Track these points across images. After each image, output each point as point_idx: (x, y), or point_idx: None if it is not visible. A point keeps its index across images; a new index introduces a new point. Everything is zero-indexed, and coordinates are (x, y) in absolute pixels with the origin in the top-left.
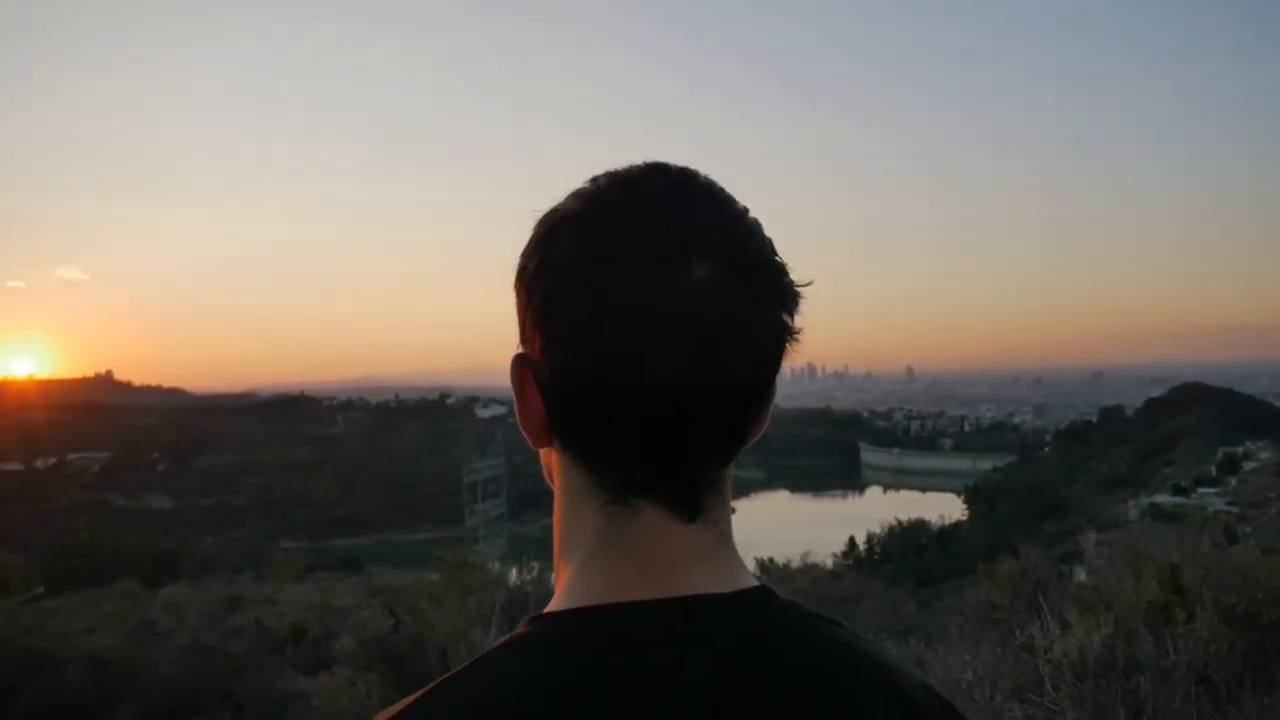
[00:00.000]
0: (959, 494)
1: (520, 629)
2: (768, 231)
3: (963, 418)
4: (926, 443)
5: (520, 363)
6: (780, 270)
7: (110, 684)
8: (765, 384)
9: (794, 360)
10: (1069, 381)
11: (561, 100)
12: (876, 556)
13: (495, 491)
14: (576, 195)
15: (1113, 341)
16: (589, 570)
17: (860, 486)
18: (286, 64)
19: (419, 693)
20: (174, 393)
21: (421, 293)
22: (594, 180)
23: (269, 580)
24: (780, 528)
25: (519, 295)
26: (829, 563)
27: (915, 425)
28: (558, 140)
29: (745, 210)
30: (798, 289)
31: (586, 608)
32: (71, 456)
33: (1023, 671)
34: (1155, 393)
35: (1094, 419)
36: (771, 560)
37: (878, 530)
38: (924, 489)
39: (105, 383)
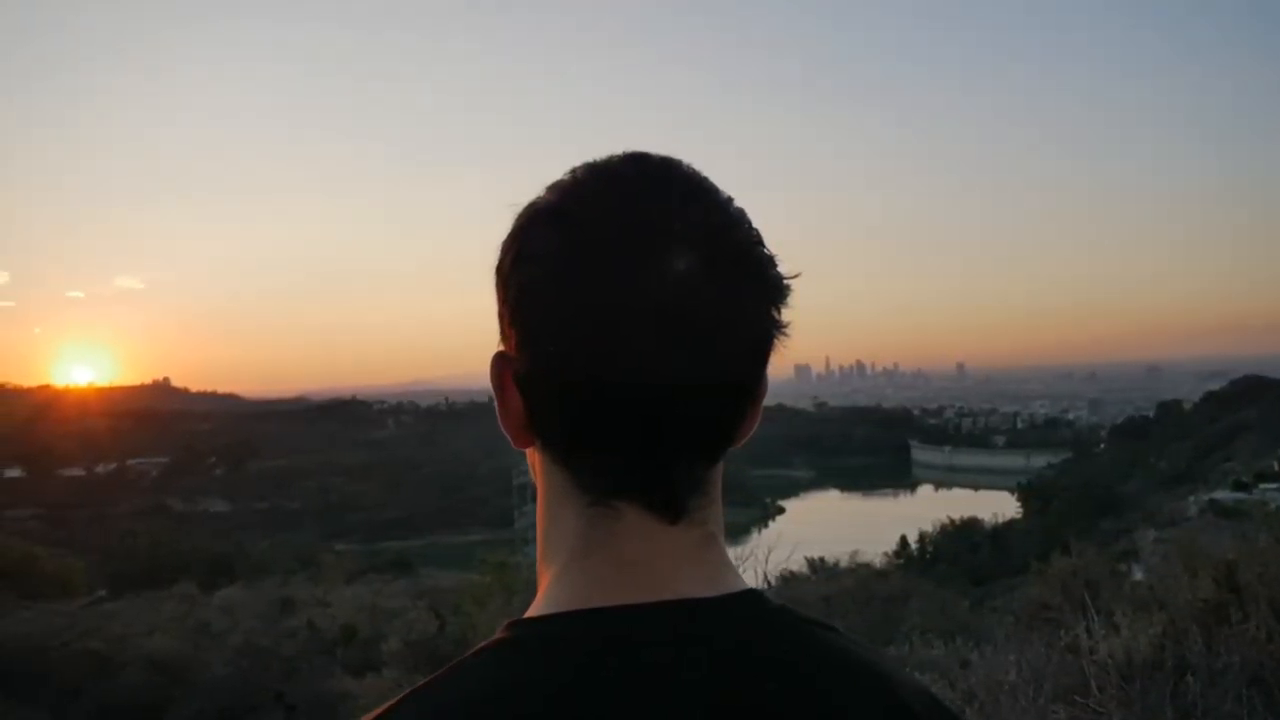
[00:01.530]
0: (1012, 492)
1: (498, 634)
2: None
3: (1015, 414)
4: (978, 440)
5: (499, 361)
6: (766, 262)
7: (167, 685)
8: (752, 381)
9: (784, 358)
10: (1124, 376)
11: (598, 100)
12: (929, 556)
13: (533, 494)
14: (553, 187)
15: (1169, 334)
16: (569, 574)
17: (911, 485)
18: (333, 69)
19: (394, 699)
20: (228, 398)
21: (469, 296)
22: (572, 171)
23: (321, 582)
24: (830, 527)
25: (497, 291)
26: (879, 562)
27: (967, 422)
28: (598, 140)
29: (729, 200)
30: (786, 281)
31: (565, 613)
32: (131, 462)
33: (1068, 673)
34: (1214, 386)
35: (1151, 414)
36: (822, 560)
37: (930, 529)
38: (976, 487)
39: (162, 389)
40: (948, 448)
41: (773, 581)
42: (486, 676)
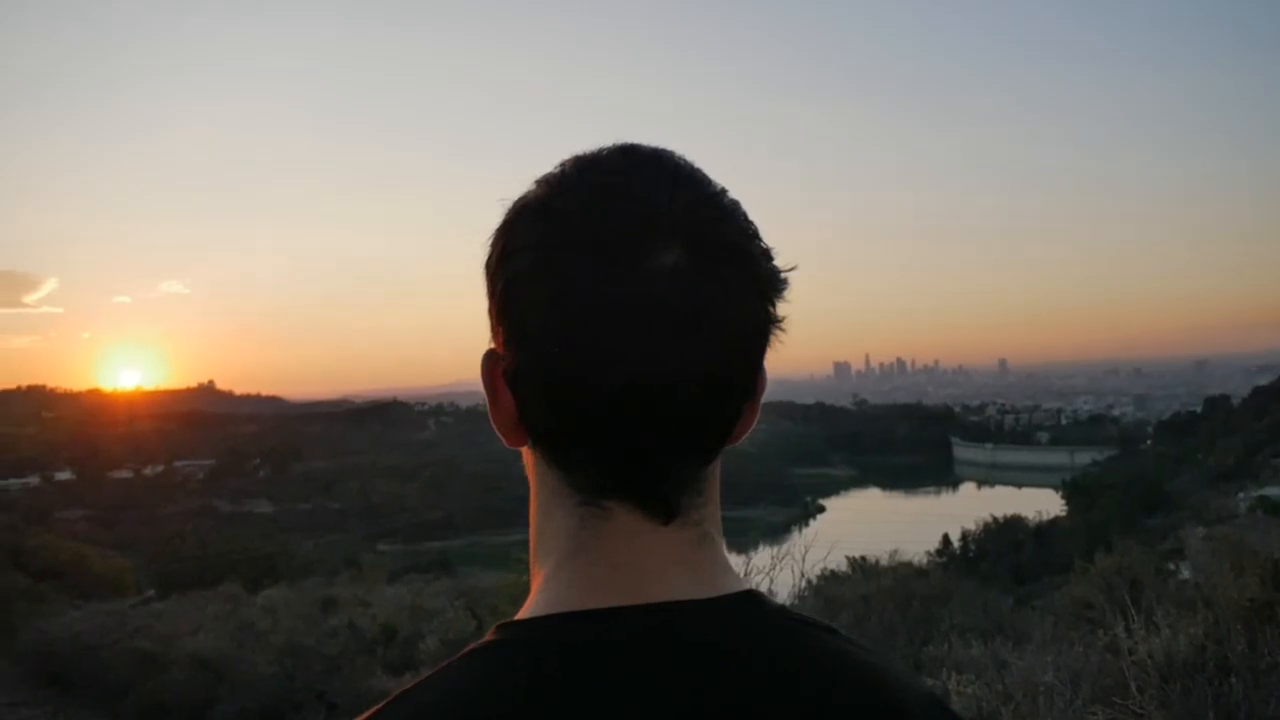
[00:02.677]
0: (1056, 489)
1: (487, 636)
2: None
3: (1059, 411)
4: (1021, 437)
5: (489, 358)
6: (759, 255)
7: (213, 683)
8: (745, 376)
9: (780, 355)
10: (1171, 371)
11: (637, 97)
12: (971, 554)
13: None
14: (540, 181)
15: (1216, 329)
16: (559, 575)
17: (953, 483)
18: (376, 73)
19: (382, 703)
20: (273, 400)
21: None
22: (561, 165)
23: (362, 582)
24: (872, 526)
25: (487, 287)
26: (922, 560)
27: (1009, 419)
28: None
29: (722, 191)
30: (781, 275)
31: (552, 615)
32: (178, 464)
33: (1107, 674)
34: (1263, 381)
35: (1198, 410)
36: (863, 558)
37: (972, 527)
38: (1020, 485)
39: (208, 392)
40: (990, 445)
41: (813, 580)
42: (469, 678)
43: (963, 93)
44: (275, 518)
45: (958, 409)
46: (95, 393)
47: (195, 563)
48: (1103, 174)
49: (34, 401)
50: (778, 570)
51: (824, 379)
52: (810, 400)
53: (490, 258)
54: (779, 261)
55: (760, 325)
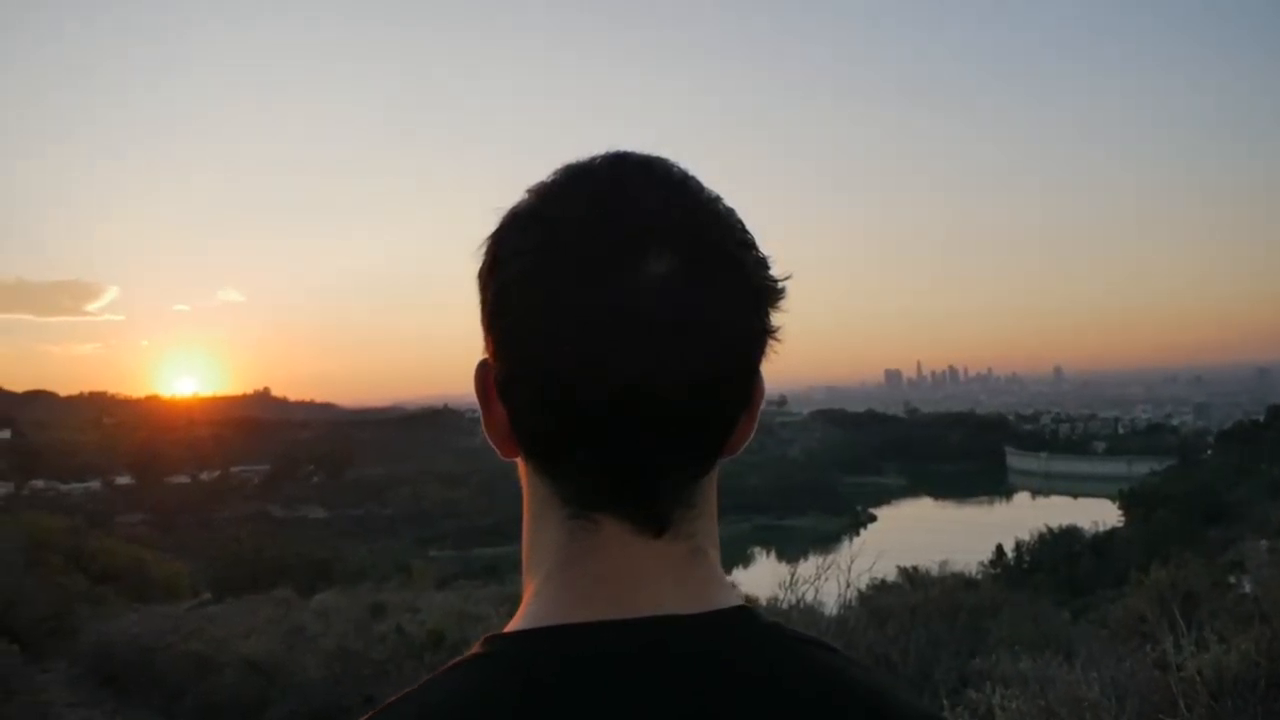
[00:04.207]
0: (1113, 499)
1: (474, 649)
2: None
3: (1116, 419)
4: (1077, 446)
5: (482, 369)
6: (752, 263)
7: (264, 686)
8: (739, 387)
9: (775, 364)
10: (1232, 379)
11: (670, 101)
12: (1026, 565)
13: None
14: (532, 190)
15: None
16: (548, 588)
17: (1007, 492)
18: (426, 79)
19: (369, 713)
20: (326, 407)
21: None
22: (553, 173)
23: (412, 588)
24: (923, 535)
25: (479, 296)
26: (975, 571)
27: (1064, 428)
28: (679, 142)
29: (715, 198)
30: (775, 283)
31: (538, 629)
32: (234, 469)
33: (1156, 690)
34: None
35: (1261, 418)
36: (915, 568)
37: (1027, 537)
38: (1075, 494)
39: (263, 399)
40: (1045, 454)
41: (863, 590)
42: (452, 692)
43: (1011, 98)
44: (328, 523)
45: (1011, 417)
46: (154, 399)
47: (250, 567)
48: (1161, 178)
49: (96, 408)
50: (823, 580)
51: (875, 387)
52: (861, 408)
53: (481, 267)
54: (775, 270)
55: (754, 335)
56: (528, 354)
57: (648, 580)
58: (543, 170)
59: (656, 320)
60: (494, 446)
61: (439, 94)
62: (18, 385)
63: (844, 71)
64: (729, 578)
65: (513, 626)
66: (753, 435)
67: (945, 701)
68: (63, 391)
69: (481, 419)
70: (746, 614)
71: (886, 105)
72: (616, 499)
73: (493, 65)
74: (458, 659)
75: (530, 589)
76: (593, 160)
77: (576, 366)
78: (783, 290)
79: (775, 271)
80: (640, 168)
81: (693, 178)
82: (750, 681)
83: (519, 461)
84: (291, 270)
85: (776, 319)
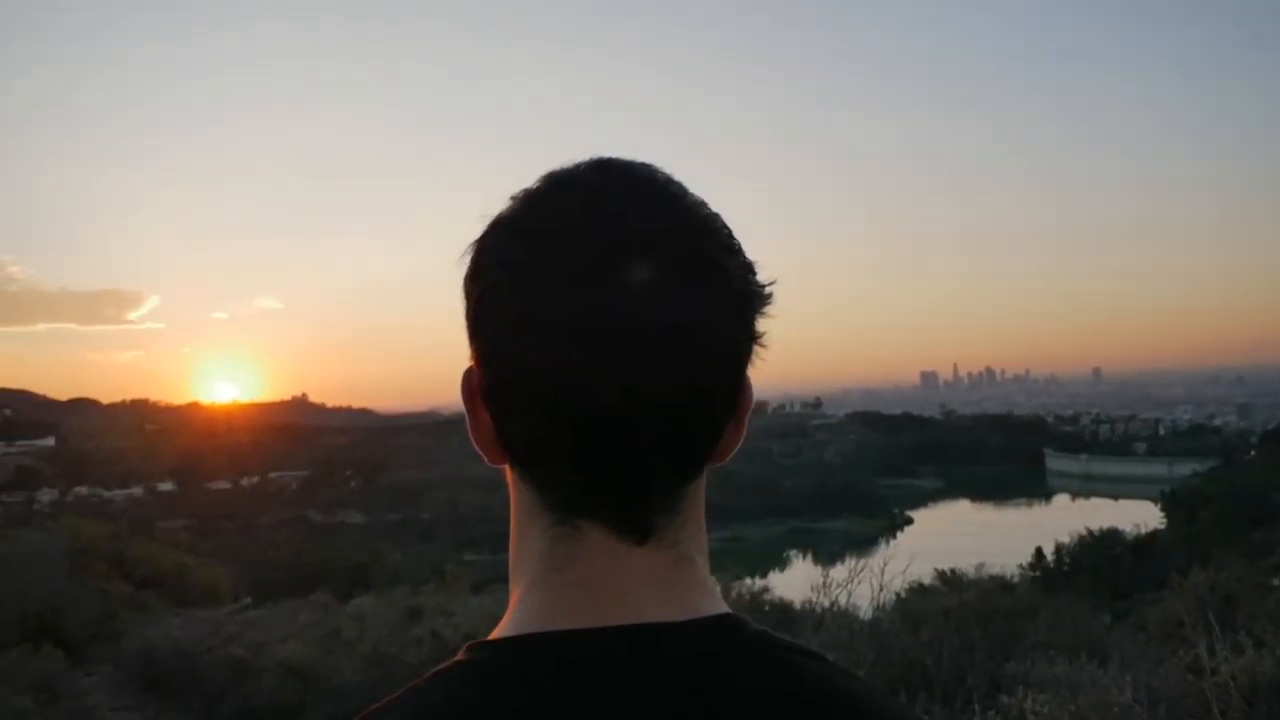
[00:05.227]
0: (1155, 501)
1: (458, 656)
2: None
3: (1157, 420)
4: (1117, 447)
5: (468, 376)
6: (736, 269)
7: (301, 690)
8: (722, 394)
9: (760, 370)
10: (1276, 379)
11: (697, 102)
12: (1066, 567)
13: None
14: (514, 197)
15: None
16: (532, 595)
17: (1046, 494)
18: (461, 84)
19: None
20: (363, 413)
21: None
22: (537, 180)
23: (447, 592)
24: (961, 538)
25: (464, 304)
26: (1013, 574)
27: (1104, 429)
28: (711, 146)
29: (700, 204)
30: (760, 289)
31: (523, 636)
32: (273, 475)
33: (1190, 694)
34: None
35: None
36: (953, 571)
37: (1067, 540)
38: (1115, 496)
39: (301, 405)
40: (1084, 456)
41: (901, 594)
42: (433, 700)
43: (1047, 97)
44: (365, 528)
45: (1050, 419)
46: (195, 406)
47: (288, 571)
48: (1199, 177)
49: (138, 415)
50: (856, 583)
51: (910, 389)
52: (896, 410)
53: (465, 274)
54: (761, 276)
55: (737, 341)
56: (510, 362)
57: (631, 588)
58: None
59: (637, 327)
60: (481, 453)
61: (475, 97)
62: (62, 393)
63: (875, 73)
64: (762, 581)
65: (497, 633)
66: (740, 442)
67: (977, 706)
68: (105, 399)
69: (468, 426)
70: (731, 621)
71: (918, 106)
72: (599, 506)
73: (526, 68)
74: (441, 666)
75: (515, 596)
76: (576, 167)
77: (558, 374)
78: (769, 296)
79: (761, 277)
80: (624, 174)
81: (677, 183)
82: (733, 689)
83: (506, 469)
84: (327, 277)
85: (763, 325)
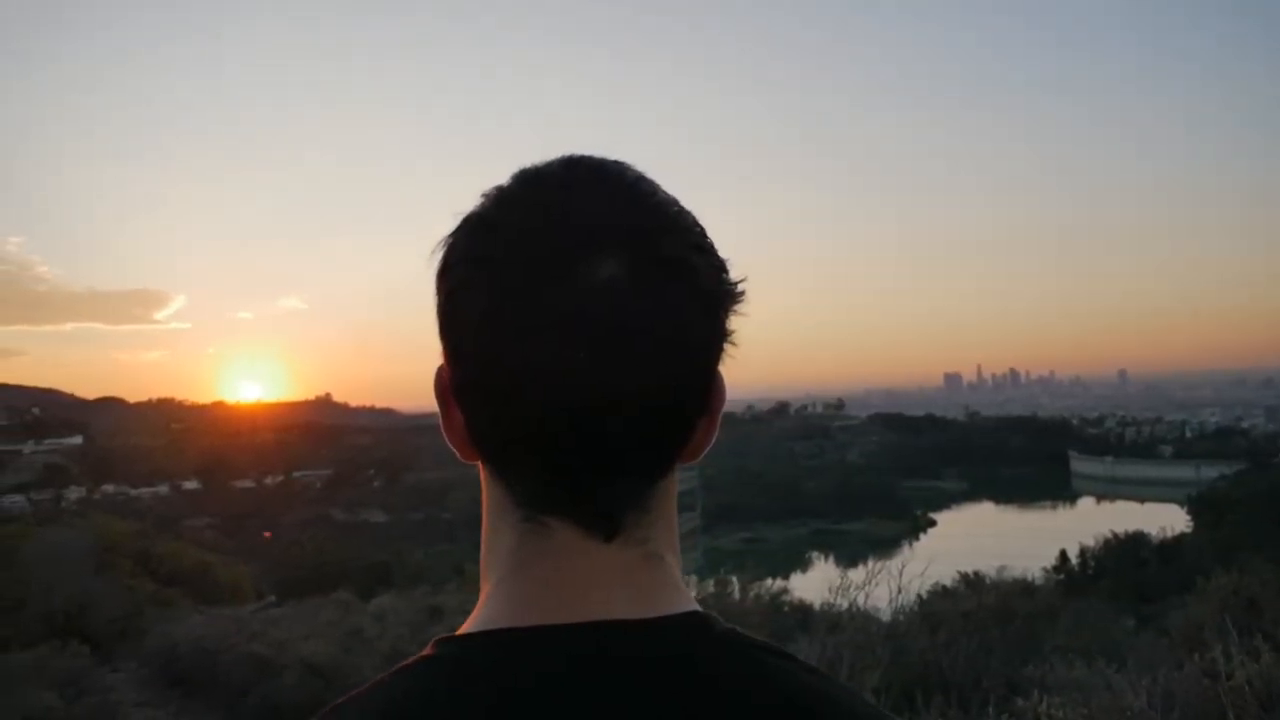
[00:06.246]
0: (1181, 505)
1: (424, 651)
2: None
3: (1184, 423)
4: (1143, 450)
5: (440, 373)
6: (703, 268)
7: (322, 689)
8: (691, 393)
9: (733, 368)
10: None
11: (716, 103)
12: (1091, 571)
13: (690, 505)
14: (484, 194)
15: None
16: (500, 592)
17: (1071, 497)
18: (472, 81)
19: (315, 717)
20: (386, 413)
21: None
22: (509, 177)
23: (466, 590)
24: (985, 540)
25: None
26: (1036, 577)
27: (1130, 431)
28: (736, 149)
29: (670, 201)
30: (731, 287)
31: (489, 632)
32: (296, 474)
33: (1205, 699)
34: None
35: None
36: (976, 574)
37: (1092, 543)
38: (1142, 499)
39: (325, 404)
40: (1109, 458)
41: (923, 595)
42: (396, 695)
43: (1073, 97)
44: (388, 527)
45: (1075, 421)
46: (220, 405)
47: (312, 570)
48: (1225, 177)
49: (164, 414)
50: (874, 585)
51: (934, 390)
52: (920, 412)
53: (435, 271)
54: (733, 274)
55: (703, 339)
56: (479, 359)
57: (597, 585)
58: None
59: (606, 325)
60: (453, 450)
61: (498, 96)
62: (89, 392)
63: (896, 73)
64: (783, 582)
65: (465, 628)
66: (714, 439)
67: (992, 710)
68: (132, 398)
69: (440, 423)
70: (699, 620)
71: (941, 107)
72: (567, 503)
73: (547, 70)
74: (406, 661)
75: (485, 591)
76: (547, 165)
77: (525, 372)
78: (740, 294)
79: (732, 275)
80: (593, 172)
81: (649, 181)
82: (700, 687)
83: (479, 466)
84: (351, 277)
85: (734, 322)
